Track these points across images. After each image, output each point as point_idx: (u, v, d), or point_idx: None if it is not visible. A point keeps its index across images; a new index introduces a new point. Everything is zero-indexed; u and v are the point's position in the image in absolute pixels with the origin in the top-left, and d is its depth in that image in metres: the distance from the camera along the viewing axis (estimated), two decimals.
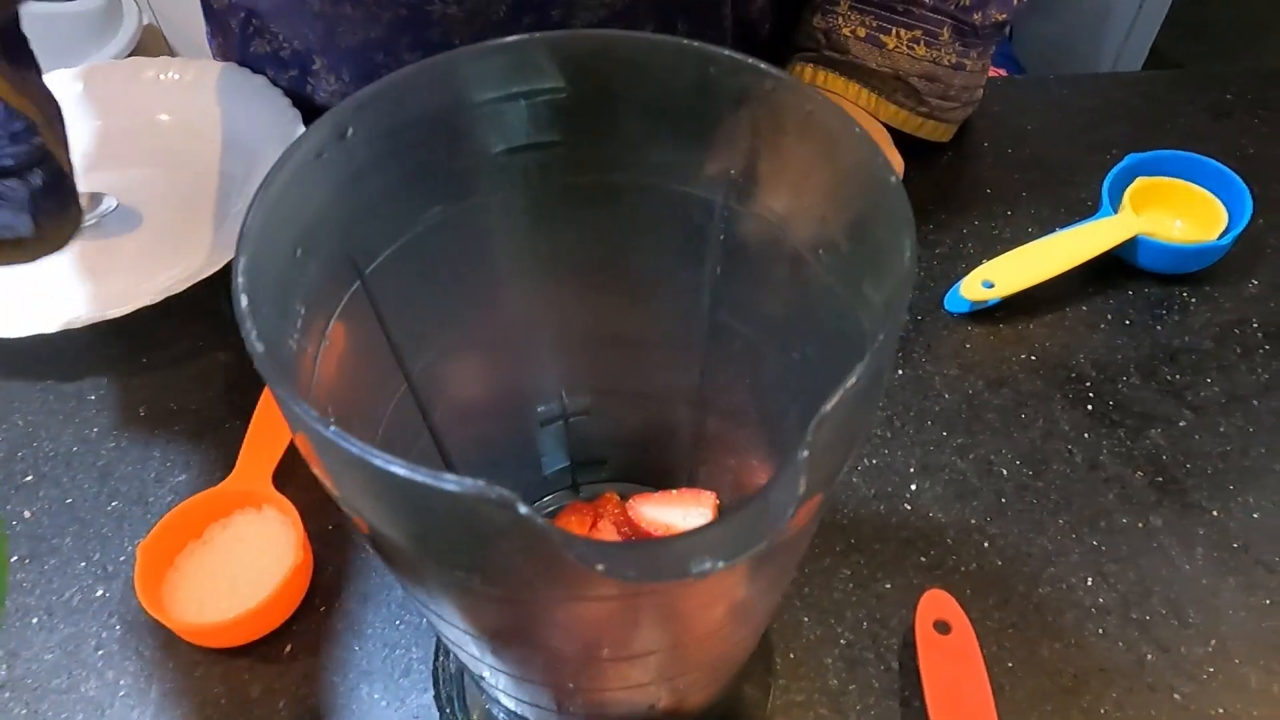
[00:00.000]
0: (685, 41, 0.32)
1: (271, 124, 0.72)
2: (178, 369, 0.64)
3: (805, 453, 0.22)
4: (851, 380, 0.23)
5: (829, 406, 0.23)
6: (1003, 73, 1.74)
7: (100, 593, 0.54)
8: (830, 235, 0.34)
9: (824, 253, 0.34)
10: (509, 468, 0.51)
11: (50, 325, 0.60)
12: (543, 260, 0.40)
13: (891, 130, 0.72)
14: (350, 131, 0.31)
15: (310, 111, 0.73)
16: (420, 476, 0.21)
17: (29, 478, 0.59)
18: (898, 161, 0.70)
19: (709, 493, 0.46)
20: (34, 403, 0.62)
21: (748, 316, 0.40)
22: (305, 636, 0.52)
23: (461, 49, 0.32)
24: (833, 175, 0.33)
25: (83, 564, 0.55)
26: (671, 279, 0.41)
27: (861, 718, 0.49)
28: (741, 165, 0.36)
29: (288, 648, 0.51)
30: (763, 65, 0.32)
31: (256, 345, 0.24)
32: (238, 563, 0.52)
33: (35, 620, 0.53)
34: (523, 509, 0.21)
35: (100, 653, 0.52)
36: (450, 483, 0.21)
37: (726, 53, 0.33)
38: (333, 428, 0.23)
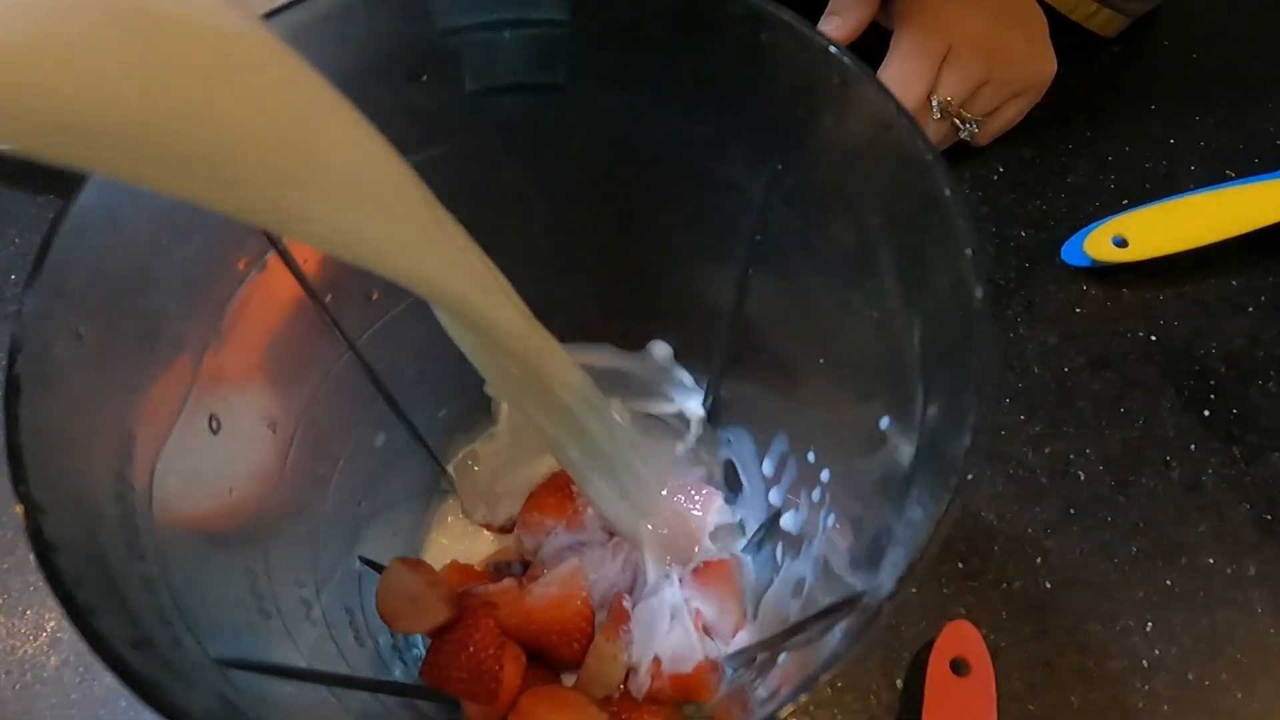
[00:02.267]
0: None
1: None
2: None
3: None
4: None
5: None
6: None
7: None
8: (878, 267, 0.25)
9: (870, 282, 0.25)
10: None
11: None
12: (525, 228, 0.32)
13: (1053, 16, 0.57)
14: None
15: None
16: None
17: None
18: (1048, 62, 0.56)
19: None
20: (30, 220, 0.58)
21: (777, 329, 0.31)
22: None
23: None
24: (890, 189, 0.23)
25: None
26: (690, 274, 0.32)
27: None
28: (789, 158, 0.26)
29: None
30: (832, 47, 0.22)
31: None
32: None
33: None
34: None
35: None
36: None
37: (786, 17, 0.22)
38: None
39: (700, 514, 0.40)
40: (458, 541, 0.44)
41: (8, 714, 0.45)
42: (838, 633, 0.22)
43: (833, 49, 0.21)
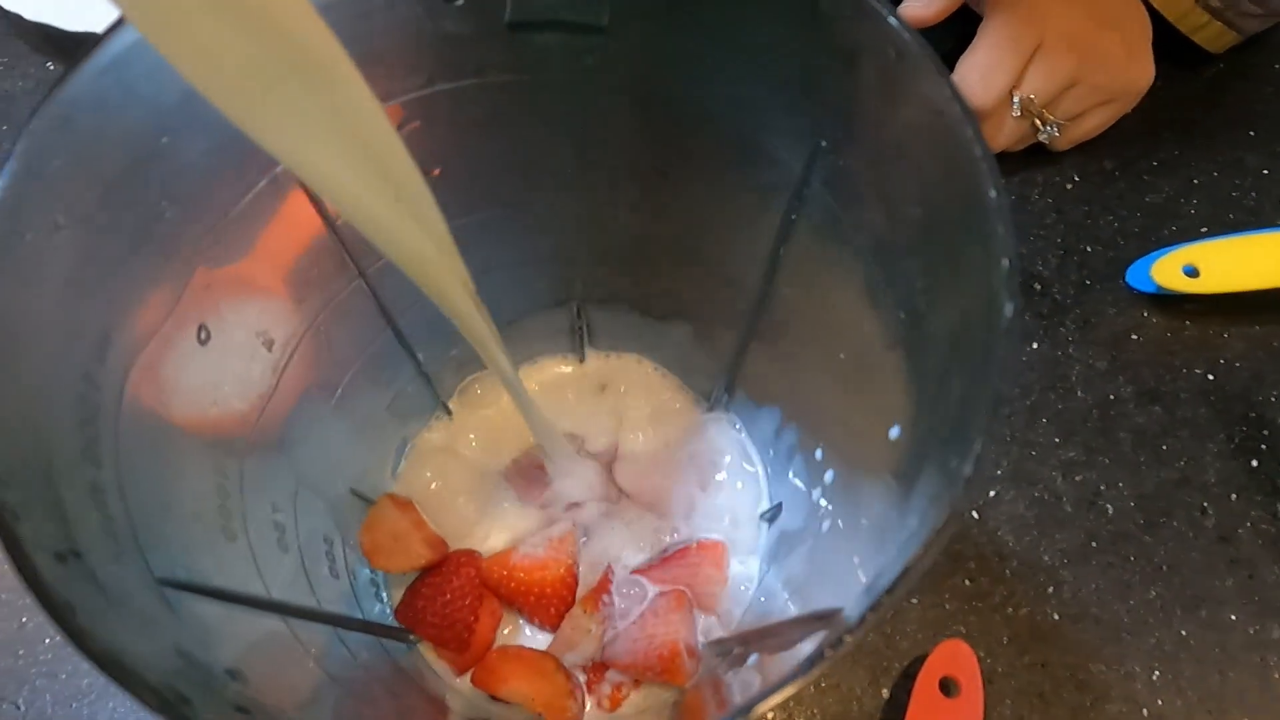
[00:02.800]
0: None
1: None
2: None
3: None
4: None
5: None
6: None
7: None
8: (910, 266, 0.23)
9: (900, 281, 0.24)
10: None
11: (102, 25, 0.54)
12: (561, 171, 0.30)
13: (1159, 24, 0.54)
14: None
15: None
16: None
17: None
18: (1144, 71, 0.53)
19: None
20: None
21: (800, 315, 0.30)
22: None
23: None
24: (932, 181, 0.22)
25: None
26: (720, 243, 0.30)
27: None
28: (833, 135, 0.24)
29: None
30: (891, 18, 0.20)
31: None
32: None
33: None
34: None
35: None
36: None
37: None
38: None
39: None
40: None
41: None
42: (808, 644, 0.21)
43: (892, 20, 0.20)
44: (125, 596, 0.18)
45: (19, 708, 0.44)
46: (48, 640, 0.45)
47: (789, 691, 0.18)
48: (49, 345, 0.19)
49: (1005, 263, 0.17)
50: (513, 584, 0.34)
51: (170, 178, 0.23)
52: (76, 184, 0.20)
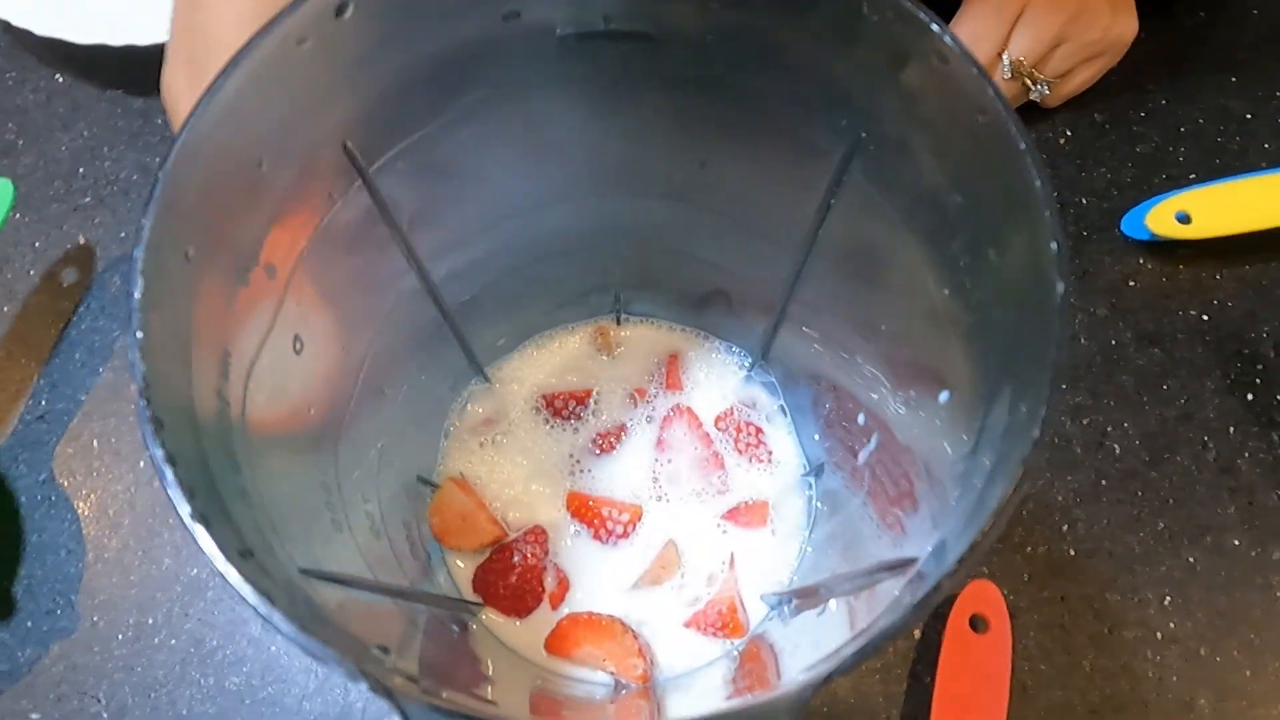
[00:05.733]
0: None
1: None
2: None
3: None
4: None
5: None
6: None
7: None
8: (954, 246, 0.25)
9: (944, 260, 0.26)
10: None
11: (116, 38, 0.55)
12: (605, 167, 0.32)
13: None
14: (350, 9, 0.23)
15: None
16: None
17: (88, 199, 0.56)
18: (1129, 24, 0.55)
19: None
20: (99, 114, 0.58)
21: (839, 291, 0.32)
22: None
23: None
24: (976, 172, 0.24)
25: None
26: (759, 227, 0.32)
27: (866, 676, 0.46)
28: (874, 129, 0.26)
29: None
30: (934, 25, 0.22)
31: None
32: None
33: (78, 357, 0.53)
34: None
35: (133, 406, 0.51)
36: None
37: None
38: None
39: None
40: None
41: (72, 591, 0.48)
42: (880, 595, 0.23)
43: (935, 26, 0.21)
44: (286, 585, 0.20)
45: (100, 700, 0.47)
46: (120, 636, 0.48)
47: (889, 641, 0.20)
48: (190, 366, 0.21)
49: (1054, 246, 0.19)
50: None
51: (266, 200, 0.24)
52: (202, 217, 0.21)
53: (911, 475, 0.27)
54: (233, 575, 0.17)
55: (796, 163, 0.29)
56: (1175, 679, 0.46)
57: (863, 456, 0.32)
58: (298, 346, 0.27)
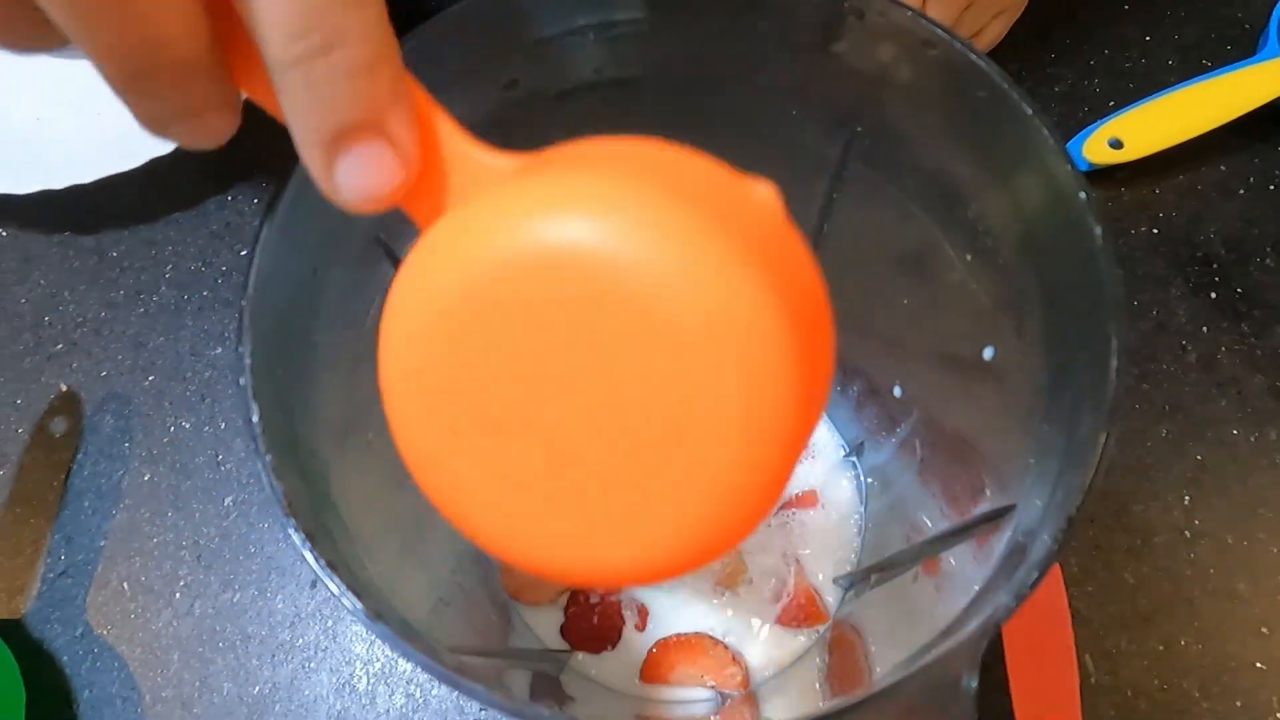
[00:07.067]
0: None
1: None
2: (201, 222, 0.58)
3: None
4: None
5: None
6: None
7: (147, 478, 0.52)
8: (969, 212, 0.27)
9: (962, 225, 0.28)
10: None
11: (58, 181, 0.54)
12: None
13: None
14: None
15: None
16: None
17: (59, 345, 0.56)
18: None
19: None
20: (52, 260, 0.58)
21: (852, 274, 0.33)
22: None
23: None
24: (981, 142, 0.25)
25: (125, 445, 0.53)
26: None
27: None
28: (869, 123, 0.28)
29: None
30: (923, 19, 0.24)
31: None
32: None
33: (87, 504, 0.52)
34: None
35: (155, 541, 0.51)
36: None
37: None
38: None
39: None
40: None
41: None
42: (967, 555, 0.24)
43: (924, 20, 0.23)
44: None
45: None
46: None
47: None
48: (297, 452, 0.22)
49: (1083, 195, 0.21)
50: None
51: (325, 298, 0.25)
52: (262, 324, 0.22)
53: (967, 435, 0.29)
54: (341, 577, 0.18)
55: (793, 161, 0.30)
56: (1212, 571, 0.49)
57: (905, 429, 0.33)
58: (369, 440, 0.27)
